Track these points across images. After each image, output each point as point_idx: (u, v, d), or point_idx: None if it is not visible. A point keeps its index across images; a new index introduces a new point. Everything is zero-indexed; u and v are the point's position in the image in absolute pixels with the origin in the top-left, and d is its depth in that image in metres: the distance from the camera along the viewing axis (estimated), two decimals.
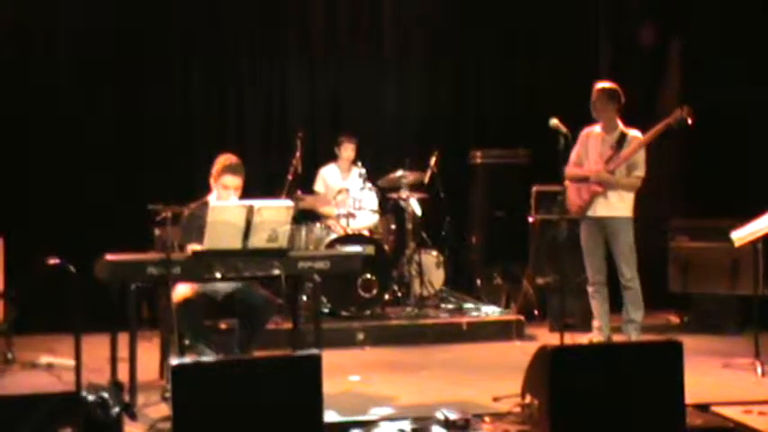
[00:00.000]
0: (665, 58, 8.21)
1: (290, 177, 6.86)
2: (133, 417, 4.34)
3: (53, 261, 4.35)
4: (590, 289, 6.15)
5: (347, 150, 7.44)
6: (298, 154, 6.92)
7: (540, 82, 8.32)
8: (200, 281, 5.04)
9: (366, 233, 7.11)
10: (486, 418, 4.50)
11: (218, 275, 4.78)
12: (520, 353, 5.69)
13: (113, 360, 4.77)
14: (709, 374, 5.47)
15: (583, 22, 8.42)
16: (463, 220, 8.26)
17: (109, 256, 4.66)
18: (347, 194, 7.19)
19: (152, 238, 6.23)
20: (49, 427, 3.64)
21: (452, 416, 4.35)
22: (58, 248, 4.99)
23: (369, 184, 7.22)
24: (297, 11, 8.13)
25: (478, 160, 8.20)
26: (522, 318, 6.95)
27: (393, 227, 7.53)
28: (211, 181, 5.32)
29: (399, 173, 7.21)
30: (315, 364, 3.73)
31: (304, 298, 6.31)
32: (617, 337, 6.10)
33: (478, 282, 8.00)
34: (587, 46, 8.39)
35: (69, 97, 7.49)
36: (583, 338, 6.01)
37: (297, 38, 8.14)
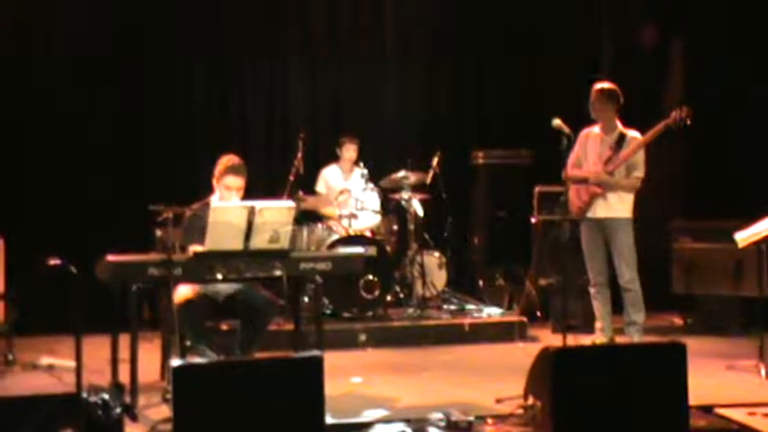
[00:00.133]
0: (667, 59, 8.21)
1: (291, 178, 6.86)
2: (134, 418, 4.34)
3: (54, 262, 4.36)
4: (592, 290, 6.15)
5: (349, 151, 7.44)
6: (299, 154, 6.92)
7: (542, 82, 8.32)
8: (201, 282, 5.05)
9: (368, 234, 7.10)
10: (489, 420, 4.49)
11: (220, 276, 4.78)
12: (522, 354, 5.69)
13: (114, 361, 4.77)
14: (713, 376, 5.46)
15: (584, 22, 8.42)
16: (465, 221, 8.26)
17: (110, 257, 4.66)
18: (349, 195, 7.19)
19: (153, 239, 6.23)
20: (49, 429, 3.64)
21: (455, 418, 4.35)
22: (59, 249, 4.99)
23: (371, 185, 7.21)
24: (298, 11, 8.13)
25: (481, 161, 8.20)
26: (524, 319, 6.94)
27: (395, 228, 7.53)
28: (214, 182, 5.32)
29: (401, 173, 7.21)
30: (316, 365, 3.72)
31: (306, 299, 6.30)
32: (620, 339, 6.09)
33: (481, 283, 8.00)
34: (589, 46, 8.39)
35: (70, 97, 7.49)
36: (586, 340, 6.01)
37: (298, 38, 8.14)
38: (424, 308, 7.13)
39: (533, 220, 7.53)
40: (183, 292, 5.05)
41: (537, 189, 7.55)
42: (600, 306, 6.11)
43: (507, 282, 7.76)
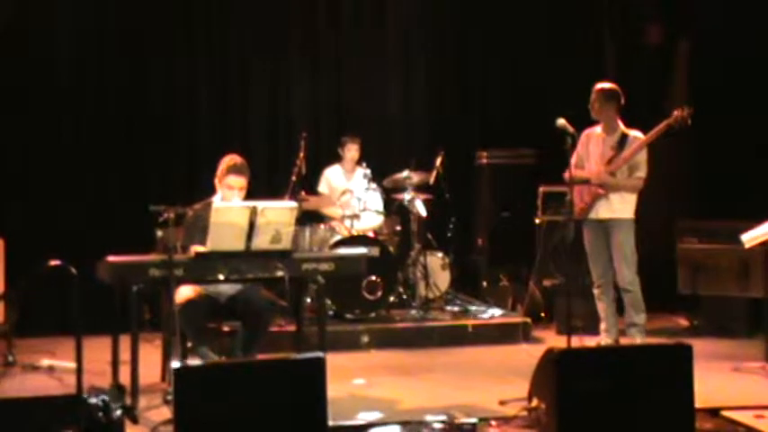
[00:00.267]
0: (672, 58, 8.20)
1: (293, 178, 6.86)
2: (135, 420, 4.34)
3: (54, 263, 4.35)
4: (596, 292, 6.14)
5: (351, 151, 7.44)
6: (301, 154, 6.91)
7: (546, 82, 8.31)
8: (202, 282, 5.04)
9: (371, 234, 7.10)
10: (493, 422, 4.49)
11: (221, 277, 4.78)
12: (526, 356, 5.69)
13: (115, 363, 4.78)
14: (720, 378, 5.45)
15: (589, 22, 8.41)
16: (469, 222, 8.26)
17: (110, 258, 4.66)
18: (351, 195, 7.19)
19: (154, 240, 6.22)
20: (50, 431, 3.64)
21: (458, 420, 4.34)
22: (59, 250, 5.00)
23: (373, 185, 7.21)
24: (300, 10, 8.13)
25: (484, 161, 8.20)
26: (528, 320, 6.94)
27: (398, 228, 7.52)
28: (216, 182, 5.33)
29: (404, 173, 7.20)
30: (319, 367, 3.72)
31: (308, 300, 6.30)
32: (625, 340, 6.08)
33: (484, 284, 8.00)
34: (593, 46, 8.38)
35: (70, 97, 7.49)
36: (590, 341, 6.00)
37: (300, 38, 8.13)
38: (427, 309, 7.12)
39: (537, 221, 7.52)
40: (185, 292, 5.05)
41: (541, 189, 7.54)
42: (604, 307, 6.11)
43: (511, 283, 7.76)
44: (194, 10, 7.86)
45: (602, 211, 5.99)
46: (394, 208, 7.48)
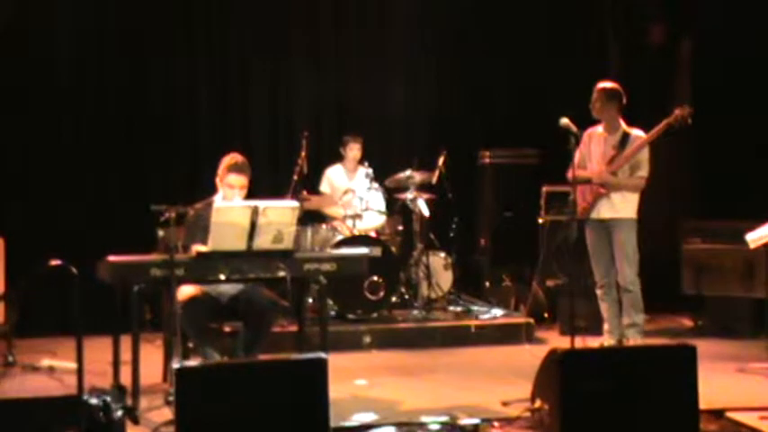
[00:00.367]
0: (675, 58, 8.19)
1: (295, 178, 6.86)
2: (136, 421, 4.35)
3: (55, 262, 4.36)
4: (599, 292, 6.14)
5: (353, 150, 7.44)
6: (303, 154, 6.92)
7: (549, 81, 8.31)
8: (204, 282, 5.05)
9: (373, 234, 7.10)
10: (496, 423, 4.49)
11: (223, 277, 4.78)
12: (529, 356, 5.67)
13: (116, 363, 4.78)
14: (724, 379, 5.45)
15: (592, 22, 8.41)
16: (472, 222, 8.26)
17: (111, 258, 4.66)
18: (353, 195, 7.19)
19: (155, 240, 6.23)
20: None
21: (461, 421, 4.34)
22: (60, 249, 5.00)
23: (375, 185, 7.21)
24: (303, 9, 8.13)
25: (487, 160, 8.19)
26: (531, 320, 6.94)
27: (400, 228, 7.52)
28: (217, 181, 5.33)
29: (407, 173, 7.20)
30: (321, 367, 3.72)
31: (310, 300, 6.31)
32: (628, 341, 6.08)
33: (487, 284, 8.00)
34: (596, 45, 8.37)
35: (70, 97, 7.50)
36: (594, 342, 6.00)
37: (302, 37, 8.14)
38: (429, 309, 7.12)
39: (540, 221, 7.52)
40: (187, 291, 5.05)
41: (544, 189, 7.54)
42: (607, 308, 6.10)
43: (514, 283, 7.75)
44: (194, 10, 7.86)
45: (604, 210, 5.99)
46: (396, 208, 7.48)
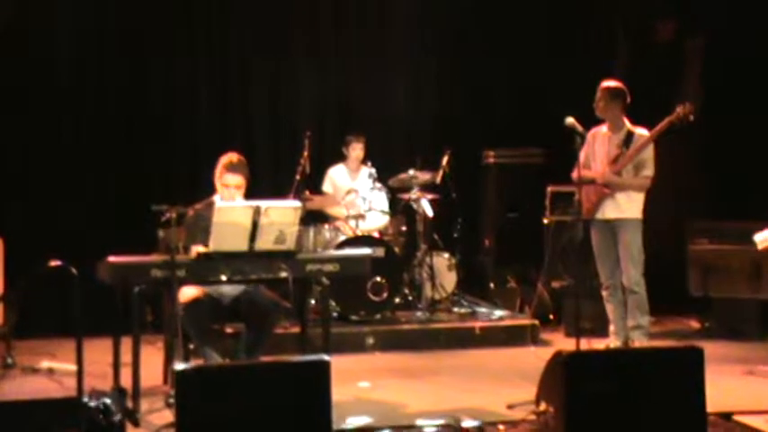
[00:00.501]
0: (684, 56, 8.18)
1: (297, 177, 6.85)
2: (136, 423, 4.35)
3: (54, 263, 4.36)
4: (604, 293, 6.13)
5: (355, 150, 7.44)
6: (305, 153, 6.91)
7: (554, 80, 8.31)
8: (205, 283, 5.04)
9: (376, 235, 7.10)
10: (500, 426, 4.48)
11: (224, 278, 4.78)
12: (534, 358, 5.68)
13: (116, 365, 4.78)
14: (732, 381, 5.43)
15: (599, 20, 8.39)
16: (476, 222, 8.25)
17: (112, 258, 4.66)
18: (356, 195, 7.18)
19: (156, 240, 6.23)
20: None
21: (465, 424, 4.34)
22: (60, 250, 5.00)
23: (378, 185, 7.21)
24: (304, 9, 8.13)
25: (492, 160, 8.19)
26: (536, 322, 6.93)
27: (404, 228, 7.52)
28: (215, 181, 5.33)
29: (410, 173, 7.20)
30: (323, 369, 3.72)
31: (312, 301, 6.30)
32: (635, 343, 6.07)
33: (491, 285, 7.99)
34: (603, 43, 8.36)
35: (70, 97, 7.51)
36: (599, 344, 5.99)
37: (303, 37, 8.14)
38: (433, 310, 7.12)
39: (545, 221, 7.51)
40: (189, 292, 5.05)
41: (549, 189, 7.53)
42: (613, 309, 6.09)
43: (519, 284, 7.75)
44: (195, 9, 7.86)
45: (609, 210, 5.98)
46: (399, 208, 7.47)
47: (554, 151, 7.39)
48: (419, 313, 7.06)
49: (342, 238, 6.83)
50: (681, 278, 7.14)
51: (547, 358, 4.28)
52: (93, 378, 4.71)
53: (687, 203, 7.82)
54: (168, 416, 4.50)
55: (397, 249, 7.05)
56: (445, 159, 7.37)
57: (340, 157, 7.55)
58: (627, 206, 5.96)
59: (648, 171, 5.96)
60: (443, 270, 7.33)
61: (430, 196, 7.31)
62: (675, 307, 7.40)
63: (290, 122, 8.01)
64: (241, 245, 4.72)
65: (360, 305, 6.81)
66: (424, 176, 7.24)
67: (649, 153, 5.95)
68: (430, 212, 7.28)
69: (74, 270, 4.23)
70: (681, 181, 7.66)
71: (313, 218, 7.10)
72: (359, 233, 6.96)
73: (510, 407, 4.74)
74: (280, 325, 5.82)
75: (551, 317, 7.30)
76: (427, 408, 4.92)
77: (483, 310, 7.36)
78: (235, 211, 4.76)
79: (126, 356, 4.77)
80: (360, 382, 5.56)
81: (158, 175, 7.61)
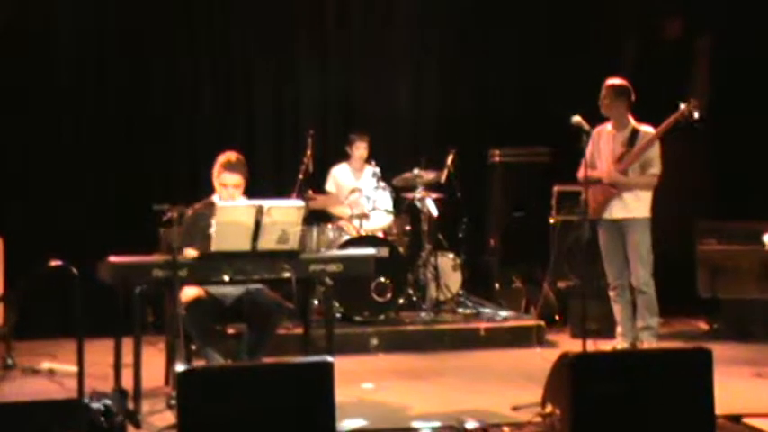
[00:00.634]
0: (692, 55, 8.17)
1: (300, 177, 6.86)
2: (138, 425, 4.36)
3: (55, 263, 4.37)
4: (611, 294, 6.13)
5: (359, 149, 7.43)
6: (309, 152, 6.92)
7: (561, 78, 8.29)
8: (207, 284, 5.05)
9: (380, 235, 7.10)
10: (505, 429, 4.48)
11: (227, 278, 4.78)
12: (540, 360, 5.67)
13: (117, 366, 4.78)
14: (741, 384, 5.42)
15: (606, 17, 8.38)
16: (481, 222, 8.24)
17: (113, 258, 4.66)
18: (360, 194, 7.18)
19: (157, 240, 6.24)
20: None
21: (469, 426, 4.34)
22: (60, 250, 5.01)
23: (382, 184, 7.20)
24: (308, 7, 8.13)
25: (497, 159, 8.18)
26: (542, 323, 6.92)
27: (408, 228, 7.52)
28: (213, 180, 5.33)
29: (415, 172, 7.19)
30: (327, 370, 3.72)
31: (315, 302, 6.30)
32: (642, 344, 6.06)
33: (497, 285, 7.98)
34: (610, 42, 8.35)
35: (72, 96, 7.52)
36: (606, 345, 5.98)
37: (307, 36, 8.13)
38: (437, 311, 7.11)
39: (551, 221, 7.50)
40: (190, 292, 5.05)
41: (555, 188, 7.52)
42: (620, 309, 6.09)
43: (524, 284, 7.74)
44: (196, 9, 7.86)
45: (617, 210, 5.98)
46: (404, 207, 7.47)
47: (560, 150, 7.37)
48: (423, 314, 7.06)
49: (345, 237, 6.83)
50: (689, 279, 7.12)
51: (553, 359, 4.28)
52: (93, 379, 4.72)
53: (695, 203, 7.80)
54: (170, 417, 4.51)
55: (401, 249, 7.05)
56: (450, 158, 7.37)
57: (343, 156, 7.54)
58: (634, 205, 5.95)
59: (655, 169, 5.95)
60: (448, 270, 7.32)
61: (435, 196, 7.31)
62: (683, 308, 7.38)
63: (293, 121, 8.02)
64: (244, 245, 4.72)
65: (363, 306, 6.81)
66: (429, 175, 7.24)
67: (655, 151, 5.94)
68: (434, 212, 7.28)
69: (74, 270, 4.24)
70: (689, 181, 7.64)
71: (316, 217, 7.10)
72: (362, 233, 6.96)
73: (515, 409, 4.74)
74: (282, 325, 5.82)
75: (557, 318, 7.30)
76: (431, 409, 4.92)
77: (488, 310, 7.36)
78: (237, 211, 4.76)
79: (127, 357, 4.78)
80: (363, 384, 5.56)
81: (159, 174, 7.61)
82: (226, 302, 5.22)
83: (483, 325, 6.89)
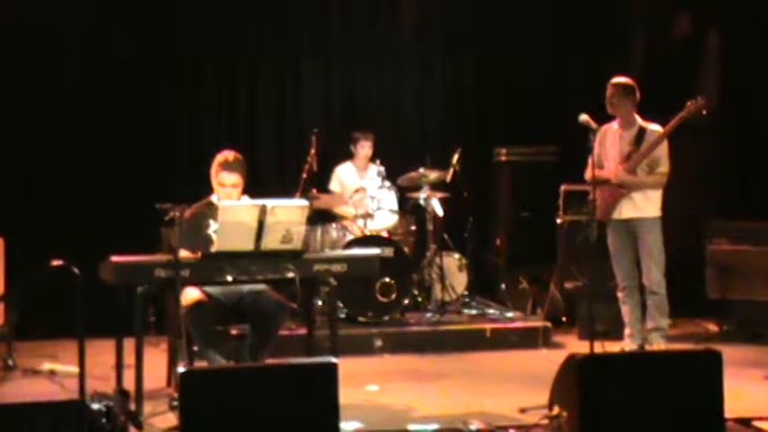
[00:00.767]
0: (702, 53, 8.16)
1: (304, 176, 6.87)
2: (139, 426, 4.36)
3: (56, 263, 4.37)
4: (620, 295, 6.13)
5: (364, 148, 7.44)
6: (313, 151, 6.93)
7: (568, 77, 8.29)
8: (210, 284, 5.05)
9: (384, 234, 7.10)
10: (512, 431, 4.48)
11: (230, 278, 4.79)
12: (547, 361, 5.66)
13: (119, 367, 4.79)
14: (751, 386, 5.42)
15: (615, 15, 8.37)
16: (487, 221, 8.24)
17: (114, 258, 4.67)
18: (364, 194, 7.19)
19: (159, 239, 6.25)
20: None
21: (475, 428, 4.34)
22: (61, 250, 5.02)
23: (387, 183, 7.21)
24: (312, 7, 8.13)
25: (504, 158, 8.18)
26: (549, 324, 6.92)
27: (413, 228, 7.52)
28: (212, 180, 5.34)
29: (420, 171, 7.20)
30: (330, 372, 3.72)
31: (319, 302, 6.30)
32: (650, 346, 6.05)
33: (503, 286, 7.98)
34: (619, 40, 8.35)
35: (73, 96, 7.55)
36: (614, 347, 5.98)
37: (312, 33, 8.14)
38: (443, 312, 7.11)
39: (559, 221, 7.49)
40: (192, 293, 5.06)
41: (563, 188, 7.51)
42: (629, 311, 6.09)
43: (531, 285, 7.74)
44: (199, 8, 7.85)
45: (626, 210, 5.97)
46: (409, 207, 7.48)
47: (568, 149, 7.37)
48: (428, 315, 7.06)
49: (350, 237, 6.84)
50: (698, 280, 7.12)
51: (559, 361, 4.29)
52: (95, 380, 4.73)
53: (705, 203, 7.80)
54: (172, 419, 4.52)
55: (406, 249, 7.05)
56: (456, 157, 7.36)
57: (348, 156, 7.55)
58: (644, 205, 5.95)
59: (664, 168, 5.95)
60: (454, 270, 7.32)
61: (440, 195, 7.31)
62: (693, 309, 7.37)
63: (298, 120, 8.03)
64: (247, 244, 4.73)
65: (368, 306, 6.82)
66: (435, 175, 7.24)
67: (663, 149, 5.94)
68: (440, 212, 7.29)
69: (76, 270, 4.24)
70: (699, 180, 7.64)
71: (320, 217, 7.11)
72: (367, 233, 6.97)
73: (522, 411, 4.74)
74: (285, 326, 5.83)
75: (564, 319, 7.30)
76: (436, 412, 4.92)
77: (494, 311, 7.36)
78: (240, 211, 4.77)
79: (129, 358, 4.79)
80: (368, 385, 5.57)
81: (162, 173, 7.62)
82: (228, 303, 5.23)
83: (489, 326, 6.90)
